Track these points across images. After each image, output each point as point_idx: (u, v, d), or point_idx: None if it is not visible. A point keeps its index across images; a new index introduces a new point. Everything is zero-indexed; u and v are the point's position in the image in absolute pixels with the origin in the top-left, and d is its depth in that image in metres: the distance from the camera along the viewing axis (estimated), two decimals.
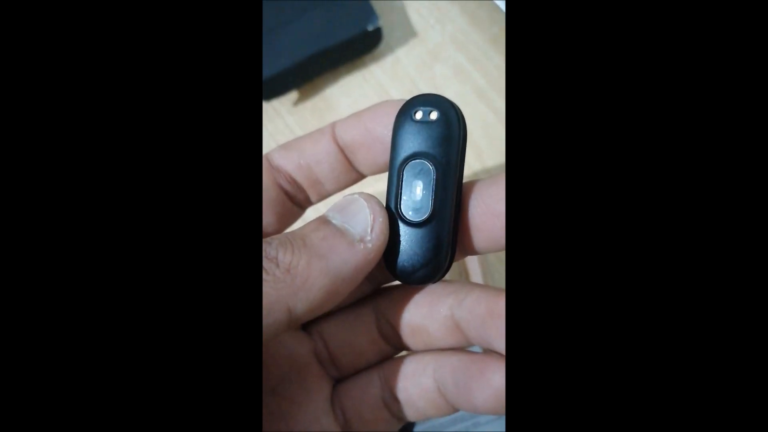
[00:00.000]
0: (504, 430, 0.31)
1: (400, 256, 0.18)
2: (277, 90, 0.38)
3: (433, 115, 0.18)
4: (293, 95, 0.40)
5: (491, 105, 0.38)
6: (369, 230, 0.17)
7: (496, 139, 0.38)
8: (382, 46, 0.39)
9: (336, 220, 0.17)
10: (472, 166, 0.37)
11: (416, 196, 0.18)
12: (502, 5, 0.36)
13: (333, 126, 0.20)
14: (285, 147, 0.20)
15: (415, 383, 0.19)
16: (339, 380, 0.20)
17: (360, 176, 0.20)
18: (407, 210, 0.18)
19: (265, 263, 0.16)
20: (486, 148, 0.37)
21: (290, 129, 0.40)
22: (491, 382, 0.17)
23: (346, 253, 0.17)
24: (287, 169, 0.20)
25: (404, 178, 0.18)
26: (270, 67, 0.37)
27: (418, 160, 0.18)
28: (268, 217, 0.20)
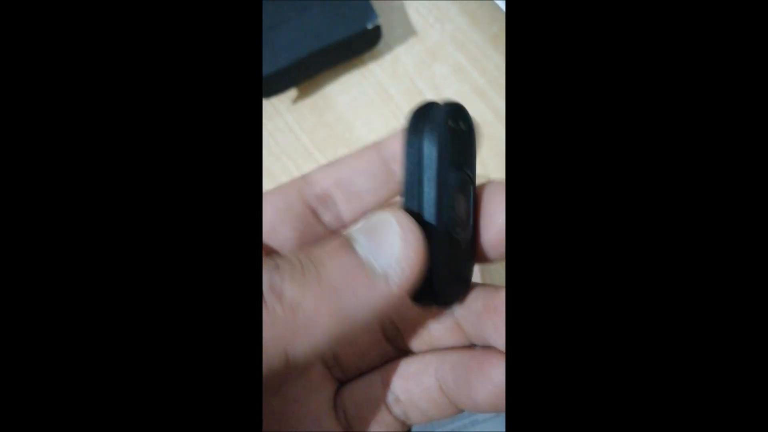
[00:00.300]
0: (502, 429, 0.31)
1: (438, 280, 0.16)
2: (277, 87, 0.38)
3: (463, 125, 0.17)
4: (292, 93, 0.40)
5: (490, 104, 0.38)
6: (398, 264, 0.15)
7: (495, 138, 0.38)
8: (382, 44, 0.39)
9: (361, 247, 0.15)
10: None
11: (462, 210, 0.16)
12: (502, 5, 0.36)
13: (377, 145, 0.18)
14: (327, 165, 0.19)
15: (418, 383, 0.18)
16: (343, 382, 0.20)
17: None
18: (454, 226, 0.16)
19: (267, 295, 0.14)
20: (484, 147, 0.37)
21: (289, 127, 0.40)
22: (491, 378, 0.17)
23: (364, 292, 0.14)
24: (324, 184, 0.18)
25: (449, 190, 0.16)
26: (269, 65, 0.37)
27: (460, 172, 0.16)
28: (286, 232, 0.18)
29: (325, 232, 0.19)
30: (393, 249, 0.14)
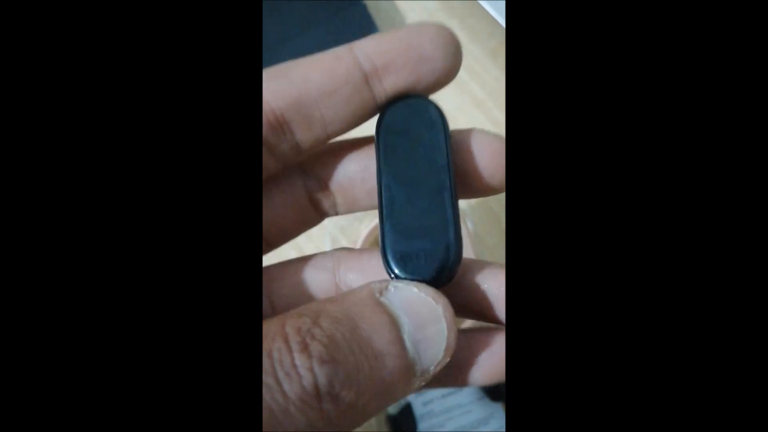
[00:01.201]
0: (502, 429, 0.32)
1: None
2: None
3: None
4: None
5: (489, 115, 0.39)
6: (437, 366, 0.14)
7: None
8: None
9: (409, 345, 0.14)
10: None
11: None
12: (501, 20, 0.37)
13: (351, 47, 0.16)
14: (274, 75, 0.16)
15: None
16: None
17: (376, 111, 0.17)
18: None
19: (325, 397, 0.12)
20: None
21: None
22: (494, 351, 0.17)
23: (404, 389, 0.14)
24: (276, 104, 0.16)
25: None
26: None
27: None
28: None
29: (276, 168, 0.17)
30: (437, 353, 0.14)
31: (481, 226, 0.37)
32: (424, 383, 0.14)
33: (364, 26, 0.39)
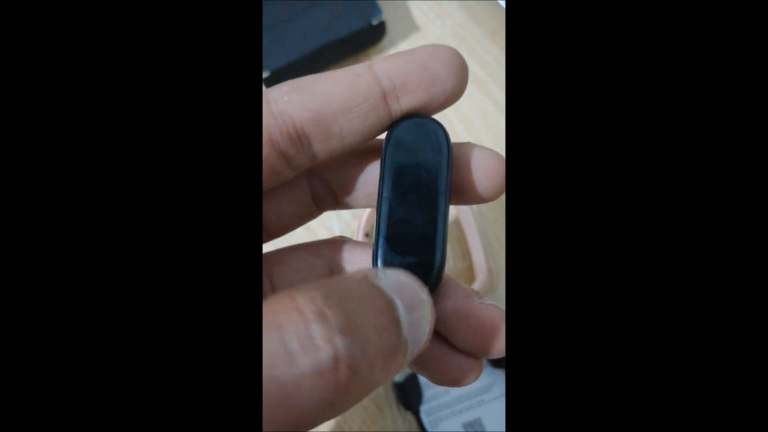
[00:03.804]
0: (502, 429, 0.33)
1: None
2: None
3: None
4: None
5: (490, 95, 0.40)
6: (422, 347, 0.15)
7: (495, 127, 0.40)
8: (386, 39, 0.41)
9: (404, 324, 0.14)
10: None
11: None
12: (501, 1, 0.38)
13: (369, 64, 0.17)
14: (297, 88, 0.16)
15: None
16: None
17: (389, 126, 0.18)
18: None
19: (345, 372, 0.12)
20: (485, 136, 0.39)
21: None
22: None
23: (397, 367, 0.14)
24: (297, 117, 0.16)
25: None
26: (278, 60, 0.39)
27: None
28: None
29: (287, 177, 0.18)
30: (423, 334, 0.15)
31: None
32: (408, 364, 0.15)
33: (367, 7, 0.39)
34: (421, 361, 0.18)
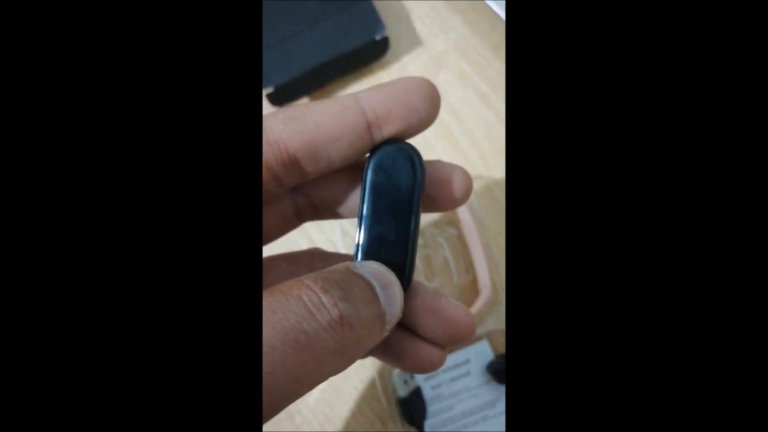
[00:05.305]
0: (502, 429, 0.33)
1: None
2: (290, 96, 0.41)
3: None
4: (305, 101, 0.42)
5: (492, 107, 0.40)
6: (395, 317, 0.18)
7: (497, 139, 0.40)
8: (389, 54, 0.42)
9: (382, 300, 0.18)
10: (475, 164, 0.39)
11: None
12: (502, 14, 0.38)
13: (355, 97, 0.19)
14: (291, 117, 0.19)
15: None
16: None
17: (364, 154, 0.20)
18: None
19: (347, 329, 0.16)
20: (488, 148, 0.39)
21: None
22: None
23: (378, 335, 0.17)
24: (291, 145, 0.18)
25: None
26: (283, 74, 0.39)
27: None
28: None
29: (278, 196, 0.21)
30: (396, 308, 0.18)
31: (487, 216, 0.38)
32: (387, 333, 0.18)
33: (371, 22, 0.40)
34: (395, 353, 0.20)
